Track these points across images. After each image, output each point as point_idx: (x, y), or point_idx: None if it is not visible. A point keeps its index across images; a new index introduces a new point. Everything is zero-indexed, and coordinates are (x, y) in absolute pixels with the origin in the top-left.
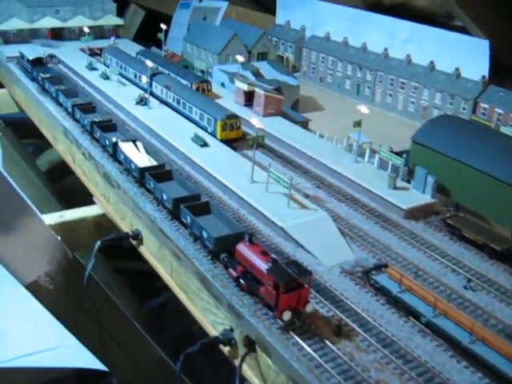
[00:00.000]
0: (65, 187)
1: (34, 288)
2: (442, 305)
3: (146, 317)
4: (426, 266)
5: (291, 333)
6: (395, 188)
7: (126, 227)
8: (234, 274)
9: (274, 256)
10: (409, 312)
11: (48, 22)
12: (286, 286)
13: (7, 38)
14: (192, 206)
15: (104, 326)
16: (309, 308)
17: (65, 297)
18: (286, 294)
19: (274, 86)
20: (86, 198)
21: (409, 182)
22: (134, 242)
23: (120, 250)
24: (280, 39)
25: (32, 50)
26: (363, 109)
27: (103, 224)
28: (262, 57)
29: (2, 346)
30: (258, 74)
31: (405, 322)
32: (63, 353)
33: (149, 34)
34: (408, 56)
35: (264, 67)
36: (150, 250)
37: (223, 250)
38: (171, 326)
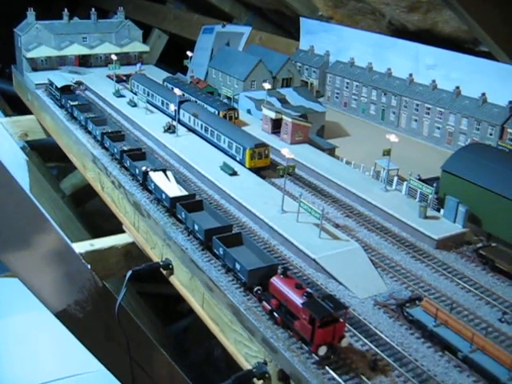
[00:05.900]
0: (90, 212)
1: (63, 316)
2: (479, 340)
3: (169, 341)
4: (459, 298)
5: (327, 368)
6: (426, 217)
7: (155, 257)
8: (268, 307)
9: (309, 290)
10: (445, 346)
11: (75, 49)
12: (321, 320)
13: (36, 65)
14: (224, 237)
15: (131, 354)
16: (344, 343)
17: (94, 325)
18: (321, 329)
19: (300, 112)
20: (113, 225)
21: (439, 210)
22: (165, 272)
23: (145, 274)
24: (304, 64)
25: (60, 77)
26: (393, 137)
27: (133, 253)
28: (287, 82)
29: (30, 372)
30: (284, 101)
31: (441, 357)
32: (89, 379)
33: (171, 58)
34: (433, 81)
35: (290, 94)
36: (180, 280)
37: (256, 282)
38: (194, 350)
